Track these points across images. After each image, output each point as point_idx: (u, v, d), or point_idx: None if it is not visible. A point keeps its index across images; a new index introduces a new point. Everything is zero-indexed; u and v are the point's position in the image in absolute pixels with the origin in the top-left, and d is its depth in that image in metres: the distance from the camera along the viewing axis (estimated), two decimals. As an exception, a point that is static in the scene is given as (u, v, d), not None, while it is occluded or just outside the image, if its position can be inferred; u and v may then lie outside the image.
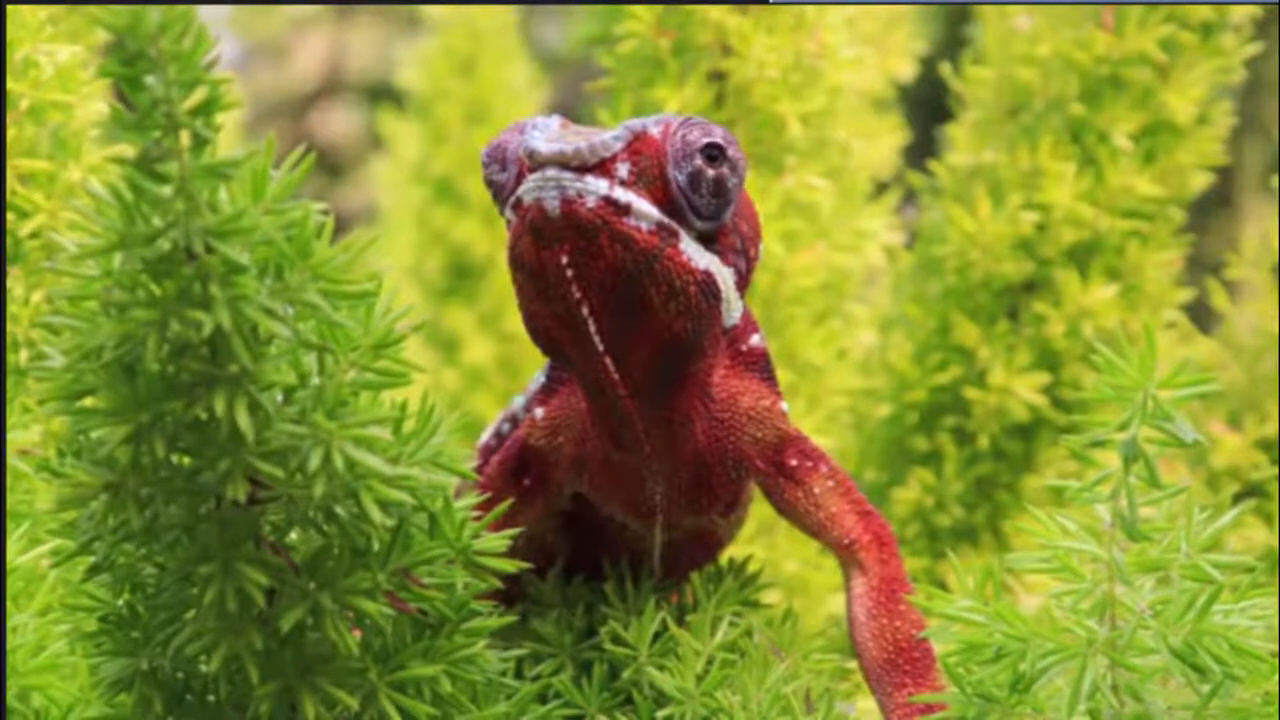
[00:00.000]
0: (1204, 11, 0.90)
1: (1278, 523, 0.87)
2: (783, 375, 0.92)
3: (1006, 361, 0.93)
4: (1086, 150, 0.91)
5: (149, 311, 0.49)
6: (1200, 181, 0.93)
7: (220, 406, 0.49)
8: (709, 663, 0.62)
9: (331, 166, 2.33)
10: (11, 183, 0.74)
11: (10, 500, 0.68)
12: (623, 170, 0.56)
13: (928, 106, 1.18)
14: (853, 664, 0.65)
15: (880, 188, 1.03)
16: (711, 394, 0.61)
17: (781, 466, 0.64)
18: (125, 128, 0.48)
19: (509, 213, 0.57)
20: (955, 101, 0.98)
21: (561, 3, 2.17)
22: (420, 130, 1.51)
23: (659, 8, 0.87)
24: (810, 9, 0.88)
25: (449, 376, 1.40)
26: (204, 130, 0.48)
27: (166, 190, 0.48)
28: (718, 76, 0.87)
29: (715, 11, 0.86)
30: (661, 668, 0.62)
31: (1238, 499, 0.87)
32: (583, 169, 0.55)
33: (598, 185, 0.55)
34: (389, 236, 1.59)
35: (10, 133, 0.74)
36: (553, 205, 0.55)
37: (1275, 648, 0.53)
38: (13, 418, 0.71)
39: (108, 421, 0.50)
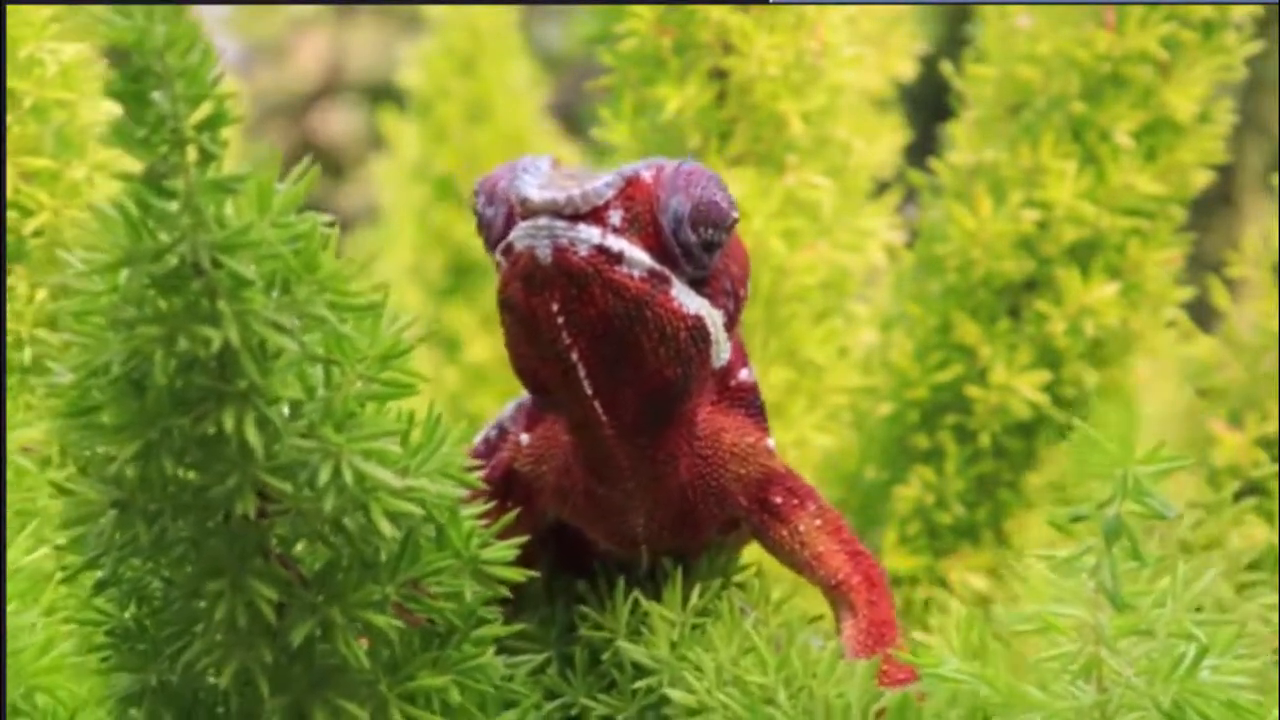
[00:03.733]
0: (1205, 10, 0.90)
1: (1278, 521, 0.87)
2: (784, 373, 0.92)
3: (1008, 360, 0.93)
4: (1088, 148, 0.91)
5: (156, 328, 0.48)
6: (1201, 180, 0.93)
7: (229, 422, 0.49)
8: (682, 629, 0.62)
9: (331, 166, 2.33)
10: (15, 181, 0.74)
11: (13, 498, 0.68)
12: (615, 217, 0.56)
13: (929, 105, 1.18)
14: (822, 610, 0.65)
15: (881, 186, 1.03)
16: (696, 430, 0.61)
17: (766, 504, 0.63)
18: (131, 143, 0.48)
19: (499, 256, 0.57)
20: (956, 100, 0.98)
21: (562, 2, 2.17)
22: (421, 130, 1.51)
23: (660, 6, 0.87)
24: (811, 8, 0.88)
25: (450, 375, 1.40)
26: (210, 145, 0.48)
27: (173, 206, 0.48)
28: (719, 75, 0.87)
29: (716, 10, 0.86)
30: (638, 643, 0.62)
31: (1238, 497, 0.87)
32: (575, 216, 0.55)
33: (590, 233, 0.55)
34: (389, 236, 1.60)
35: (14, 131, 0.74)
36: (545, 254, 0.55)
37: (1265, 698, 0.54)
38: (16, 415, 0.71)
39: (116, 438, 0.50)
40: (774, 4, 0.86)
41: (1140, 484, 0.50)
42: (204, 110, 0.47)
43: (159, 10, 0.46)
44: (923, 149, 1.05)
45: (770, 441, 0.63)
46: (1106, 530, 0.51)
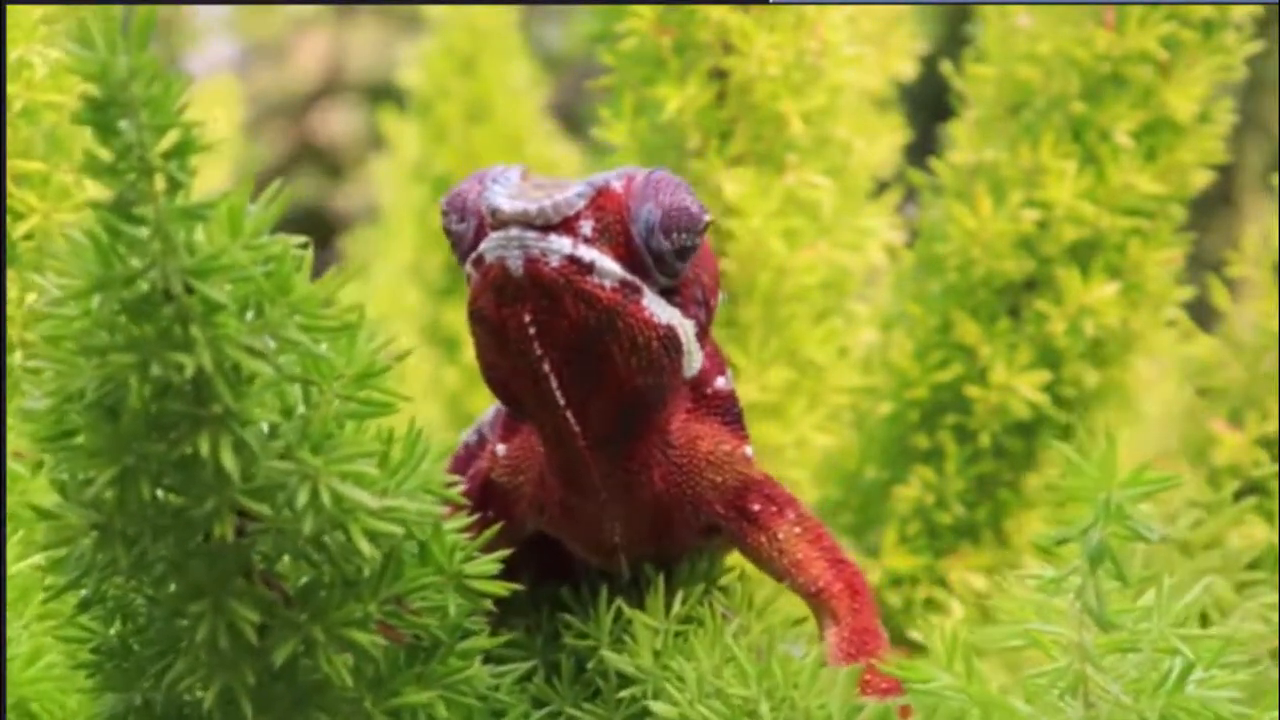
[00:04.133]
0: (1205, 10, 0.90)
1: (1278, 520, 0.87)
2: (784, 373, 0.92)
3: (1008, 359, 0.93)
4: (1088, 148, 0.91)
5: (129, 354, 0.48)
6: (1201, 179, 0.93)
7: (205, 446, 0.49)
8: (665, 637, 0.62)
9: (331, 166, 2.33)
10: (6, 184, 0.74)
11: (7, 503, 0.67)
12: (586, 227, 0.55)
13: (929, 105, 1.18)
14: (804, 614, 0.64)
15: (881, 186, 1.03)
16: (670, 439, 0.61)
17: (744, 511, 0.63)
18: (100, 171, 0.48)
19: (469, 268, 0.56)
20: (956, 100, 0.98)
21: (562, 2, 2.17)
22: (421, 130, 1.51)
23: (660, 6, 0.87)
24: (811, 8, 0.88)
25: (450, 375, 1.40)
26: (178, 173, 0.48)
27: (143, 232, 0.48)
28: (719, 74, 0.87)
29: (716, 10, 0.86)
30: (621, 652, 0.62)
31: (1238, 496, 0.86)
32: (546, 227, 0.55)
33: (561, 244, 0.55)
34: (389, 236, 1.59)
35: (4, 133, 0.74)
36: (516, 265, 0.54)
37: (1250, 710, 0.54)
38: (8, 420, 0.71)
39: (93, 463, 0.50)
40: (774, 4, 0.86)
41: (1121, 508, 0.50)
42: (171, 138, 0.47)
43: (123, 41, 0.46)
44: (923, 149, 1.05)
45: (748, 449, 0.63)
46: (1089, 554, 0.51)
